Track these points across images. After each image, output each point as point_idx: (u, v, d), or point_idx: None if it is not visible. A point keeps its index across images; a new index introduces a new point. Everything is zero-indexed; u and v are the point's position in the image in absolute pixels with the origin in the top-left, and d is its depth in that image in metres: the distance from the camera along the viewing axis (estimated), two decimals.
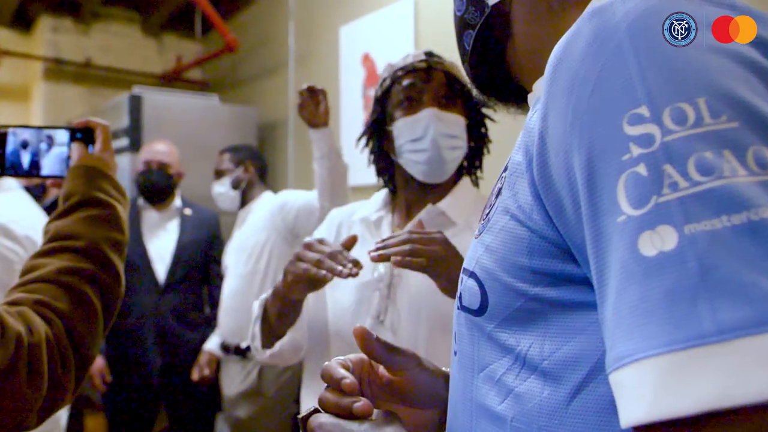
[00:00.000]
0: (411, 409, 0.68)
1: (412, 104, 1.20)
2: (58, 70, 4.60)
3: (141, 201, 2.86)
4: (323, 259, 1.07)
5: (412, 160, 1.20)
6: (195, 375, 2.71)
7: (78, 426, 3.06)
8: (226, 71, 4.68)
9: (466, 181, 1.30)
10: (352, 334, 1.17)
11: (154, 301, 2.72)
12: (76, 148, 1.09)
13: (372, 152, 1.30)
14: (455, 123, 1.20)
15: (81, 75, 4.69)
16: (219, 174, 2.81)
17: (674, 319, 0.34)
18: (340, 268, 1.06)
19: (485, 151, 1.32)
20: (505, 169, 0.53)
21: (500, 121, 1.21)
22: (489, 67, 0.70)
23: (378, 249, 1.05)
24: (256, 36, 4.25)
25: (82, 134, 1.11)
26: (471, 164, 1.31)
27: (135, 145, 3.45)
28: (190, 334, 2.78)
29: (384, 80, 1.26)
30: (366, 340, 0.64)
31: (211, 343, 2.75)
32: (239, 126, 3.88)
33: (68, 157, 1.10)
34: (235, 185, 2.74)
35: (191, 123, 3.68)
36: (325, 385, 0.62)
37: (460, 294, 0.56)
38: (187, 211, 2.91)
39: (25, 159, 1.10)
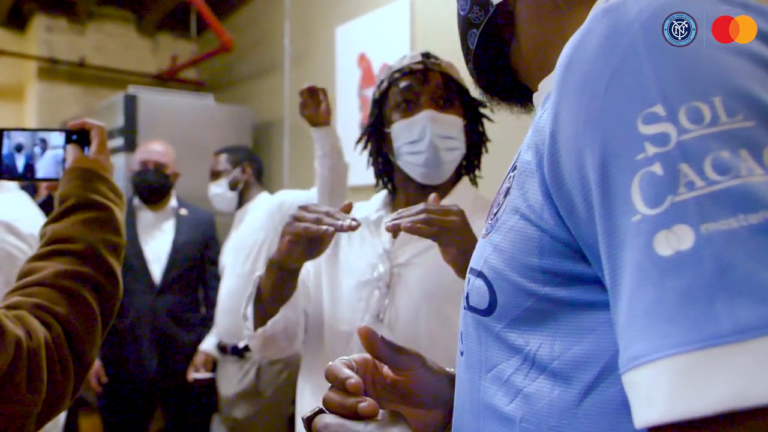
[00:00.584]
0: (415, 410, 0.68)
1: (409, 106, 1.20)
2: (52, 69, 4.58)
3: (136, 201, 2.85)
4: (321, 216, 1.06)
5: (410, 162, 1.20)
6: (191, 376, 2.70)
7: (72, 427, 3.04)
8: (222, 71, 4.66)
9: (465, 181, 1.31)
10: (349, 333, 1.19)
11: (149, 302, 2.71)
12: (71, 150, 1.08)
13: (371, 154, 1.30)
14: (452, 124, 1.20)
15: (75, 75, 4.67)
16: (215, 175, 2.79)
17: (691, 319, 0.34)
18: (340, 222, 1.05)
19: (483, 150, 1.32)
20: (513, 169, 0.53)
21: (499, 121, 1.21)
22: (493, 67, 0.69)
23: (393, 219, 1.03)
24: (252, 36, 4.24)
25: (78, 136, 1.10)
26: (469, 164, 1.31)
27: (130, 145, 3.44)
28: (186, 335, 2.78)
29: (381, 82, 1.26)
30: (371, 340, 0.63)
31: (208, 344, 2.74)
32: (234, 126, 3.87)
33: (64, 160, 1.09)
34: (233, 186, 2.73)
35: (186, 123, 3.67)
36: (329, 385, 0.62)
37: (467, 294, 0.55)
38: (183, 212, 2.90)
39: (20, 162, 1.09)
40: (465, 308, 0.56)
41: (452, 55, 1.30)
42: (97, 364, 2.66)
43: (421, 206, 1.04)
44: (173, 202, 2.91)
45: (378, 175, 1.31)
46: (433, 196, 1.10)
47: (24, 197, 1.58)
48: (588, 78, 0.42)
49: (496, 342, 0.51)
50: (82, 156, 1.07)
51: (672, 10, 0.40)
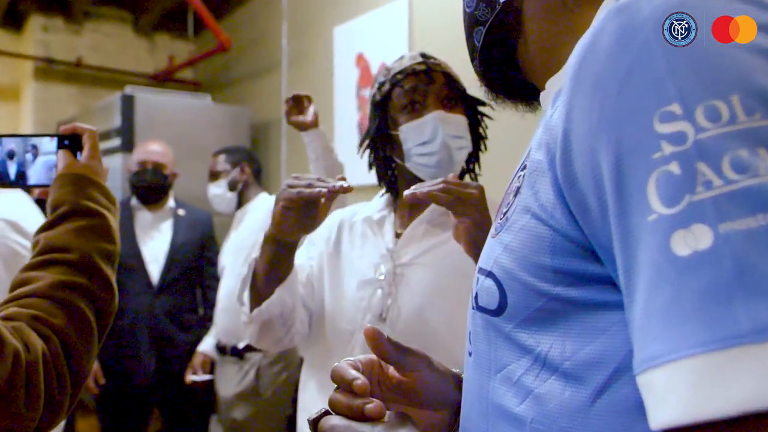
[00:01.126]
0: (421, 410, 0.67)
1: (416, 107, 1.19)
2: (48, 69, 4.56)
3: (134, 201, 2.84)
4: (313, 182, 1.07)
5: (422, 163, 1.19)
6: (188, 378, 2.68)
7: (70, 429, 3.03)
8: (219, 71, 4.66)
9: (466, 180, 1.30)
10: (351, 332, 1.19)
11: (147, 303, 2.70)
12: (63, 156, 1.05)
13: (375, 157, 1.28)
14: (460, 123, 1.20)
15: (72, 75, 4.66)
16: (214, 176, 2.78)
17: (710, 319, 0.33)
18: (332, 183, 1.05)
19: (483, 149, 1.32)
20: (523, 168, 0.52)
21: (498, 120, 1.21)
22: (498, 65, 0.69)
23: (412, 190, 1.03)
24: (249, 36, 4.23)
25: (69, 141, 1.07)
26: (469, 162, 1.31)
27: (127, 146, 3.43)
28: (184, 336, 2.77)
29: (382, 84, 1.25)
30: (377, 340, 0.63)
31: (205, 345, 2.73)
32: (232, 126, 3.87)
33: (56, 165, 1.06)
34: (232, 187, 2.73)
35: (184, 123, 3.66)
36: (331, 386, 0.61)
37: (476, 294, 0.55)
38: (181, 212, 2.89)
39: (12, 169, 1.07)
40: (474, 308, 0.56)
41: (450, 54, 1.31)
42: (94, 365, 2.64)
43: (440, 179, 1.03)
44: (171, 202, 2.90)
45: (381, 177, 1.29)
46: (452, 174, 1.10)
47: (25, 196, 1.59)
48: (602, 76, 0.41)
49: (506, 342, 0.51)
50: (73, 161, 1.05)
51: (686, 8, 0.40)
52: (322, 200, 1.10)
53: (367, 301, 1.19)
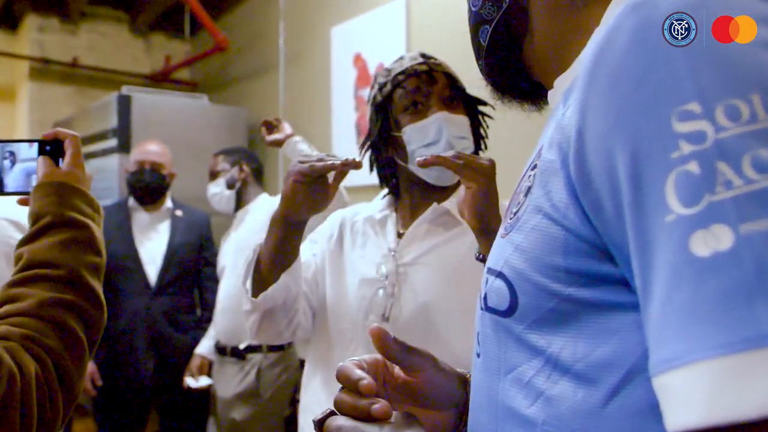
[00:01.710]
0: (426, 411, 0.67)
1: (419, 109, 1.18)
2: (44, 69, 4.55)
3: (132, 202, 2.82)
4: (324, 157, 1.07)
5: None
6: (187, 383, 2.66)
7: (66, 431, 3.02)
8: (216, 71, 4.65)
9: None
10: (352, 331, 1.18)
11: (145, 304, 2.69)
12: (43, 163, 1.01)
13: (377, 159, 1.28)
14: (463, 124, 1.20)
15: (68, 75, 4.64)
16: (214, 176, 2.78)
17: (730, 321, 0.33)
18: (344, 159, 1.06)
19: (483, 148, 1.32)
20: (533, 167, 0.52)
21: (497, 119, 1.20)
22: (504, 64, 0.68)
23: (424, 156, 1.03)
24: (246, 36, 4.22)
25: (51, 147, 1.03)
26: None
27: (124, 146, 3.42)
28: (182, 337, 2.75)
29: (383, 85, 1.24)
30: (382, 340, 0.62)
31: (203, 347, 2.72)
32: (229, 126, 3.86)
33: (35, 172, 1.02)
34: (230, 185, 2.72)
35: (180, 123, 3.65)
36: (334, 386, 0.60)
37: (485, 295, 0.54)
38: (179, 213, 2.88)
39: None
40: (482, 309, 0.55)
41: (448, 55, 1.30)
42: (91, 366, 2.64)
43: (452, 151, 1.04)
44: (169, 203, 2.88)
45: (383, 179, 1.29)
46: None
47: None
48: (618, 74, 0.41)
49: (517, 343, 0.50)
50: (54, 169, 1.00)
51: (703, 4, 0.40)
52: (331, 179, 1.10)
53: (368, 301, 1.18)
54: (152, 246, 2.78)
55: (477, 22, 0.68)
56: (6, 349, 0.78)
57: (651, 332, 0.37)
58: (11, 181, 1.04)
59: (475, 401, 0.58)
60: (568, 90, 0.51)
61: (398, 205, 1.29)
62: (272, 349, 2.59)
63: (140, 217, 2.83)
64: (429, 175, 1.19)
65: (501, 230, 0.56)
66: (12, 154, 1.04)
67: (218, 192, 2.74)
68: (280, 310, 1.16)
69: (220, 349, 2.63)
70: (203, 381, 2.65)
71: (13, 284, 0.90)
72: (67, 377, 0.84)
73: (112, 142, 3.49)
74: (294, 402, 2.79)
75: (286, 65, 3.73)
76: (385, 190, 1.31)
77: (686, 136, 0.37)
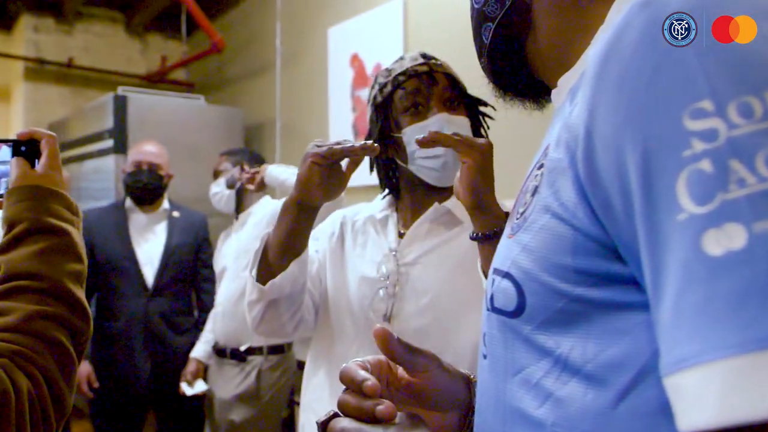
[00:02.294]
0: (430, 412, 0.66)
1: (419, 110, 1.18)
2: (39, 70, 4.53)
3: (129, 203, 2.81)
4: (340, 141, 1.07)
5: (426, 166, 1.18)
6: (183, 390, 2.63)
7: None
8: (212, 72, 4.63)
9: None
10: (354, 331, 1.18)
11: (142, 305, 2.68)
12: (17, 164, 0.95)
13: (377, 160, 1.27)
14: (464, 125, 1.19)
15: (63, 75, 4.63)
16: (216, 175, 2.80)
17: (745, 320, 0.33)
18: (361, 143, 1.05)
19: None
20: (540, 166, 0.51)
21: (497, 119, 1.20)
22: (507, 62, 0.68)
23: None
24: (243, 36, 4.21)
25: (26, 147, 0.98)
26: None
27: (119, 147, 3.41)
28: (179, 339, 2.74)
29: (384, 86, 1.23)
30: (386, 341, 0.61)
31: (199, 351, 2.69)
32: (225, 127, 3.85)
33: (8, 175, 0.97)
34: (230, 185, 2.71)
35: (177, 124, 3.64)
36: (341, 367, 0.60)
37: (492, 295, 0.54)
38: (176, 214, 2.87)
39: None
40: (489, 310, 0.55)
41: (445, 55, 1.30)
42: (88, 368, 2.63)
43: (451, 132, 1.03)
44: (166, 204, 2.87)
45: (383, 179, 1.28)
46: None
47: None
48: (628, 72, 0.40)
49: (525, 344, 0.50)
50: (29, 171, 0.95)
51: (721, 2, 0.39)
52: (344, 165, 1.10)
53: (369, 300, 1.18)
54: (149, 247, 2.77)
55: (480, 19, 0.67)
56: (0, 367, 0.76)
57: (662, 332, 0.37)
58: None
59: (482, 403, 0.57)
60: (574, 88, 0.50)
61: (399, 205, 1.29)
62: (272, 351, 2.59)
63: (137, 218, 2.81)
64: (430, 176, 1.18)
65: (507, 230, 0.55)
66: None
67: (218, 191, 2.74)
68: (285, 301, 1.15)
69: (219, 351, 2.62)
70: (199, 387, 2.63)
71: None
72: (59, 393, 0.82)
73: (108, 143, 3.48)
74: (292, 404, 2.79)
75: (282, 66, 3.72)
76: (385, 191, 1.30)
77: (698, 134, 0.36)
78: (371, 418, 0.54)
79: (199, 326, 2.79)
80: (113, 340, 2.65)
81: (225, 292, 2.62)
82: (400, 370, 0.66)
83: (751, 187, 0.34)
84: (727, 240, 0.34)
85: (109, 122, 3.48)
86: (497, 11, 0.64)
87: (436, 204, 1.21)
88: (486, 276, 1.00)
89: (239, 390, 2.54)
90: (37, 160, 0.98)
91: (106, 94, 3.65)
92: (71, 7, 4.51)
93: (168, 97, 3.96)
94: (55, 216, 0.92)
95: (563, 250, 0.46)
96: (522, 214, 0.52)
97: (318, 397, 1.21)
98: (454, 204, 1.21)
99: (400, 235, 1.23)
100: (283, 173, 2.42)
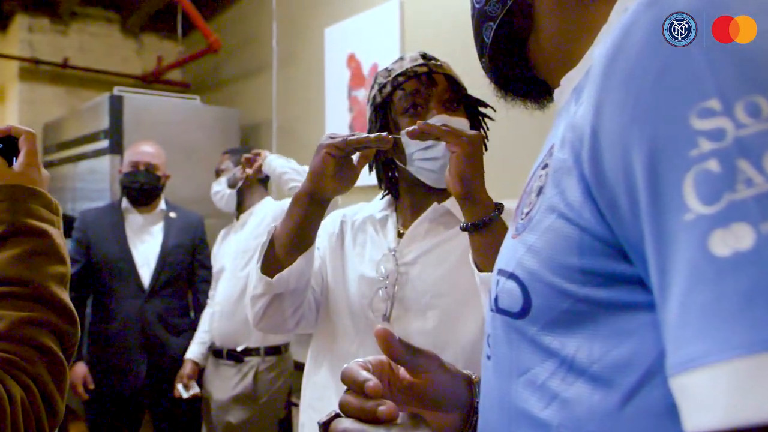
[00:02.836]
0: (432, 412, 0.66)
1: (418, 111, 1.17)
2: (34, 70, 4.51)
3: (125, 203, 2.80)
4: (354, 133, 1.07)
5: (425, 168, 1.17)
6: (178, 394, 2.61)
7: None
8: (208, 72, 4.63)
9: None
10: (354, 330, 1.17)
11: (138, 306, 2.66)
12: None
13: (375, 161, 1.27)
14: (464, 127, 1.19)
15: (58, 75, 4.61)
16: (219, 174, 2.79)
17: (752, 321, 0.32)
18: (375, 134, 1.05)
19: (484, 150, 1.31)
20: (545, 166, 0.51)
21: (498, 119, 1.20)
22: (508, 61, 0.68)
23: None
24: (239, 36, 4.21)
25: (4, 145, 0.95)
26: None
27: (115, 147, 3.40)
28: (175, 340, 2.73)
29: (383, 86, 1.23)
30: (388, 342, 0.61)
31: (193, 353, 2.67)
32: (222, 127, 3.85)
33: None
34: (231, 184, 2.70)
35: (173, 124, 3.63)
36: (344, 363, 0.59)
37: (496, 296, 0.54)
38: (172, 214, 2.85)
39: None
40: (493, 311, 0.55)
41: (443, 55, 1.29)
42: (84, 369, 2.61)
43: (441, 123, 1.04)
44: (162, 204, 2.86)
45: (382, 180, 1.28)
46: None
47: None
48: (635, 71, 0.40)
49: (530, 345, 0.50)
50: (6, 170, 0.92)
51: (714, 2, 0.39)
52: (355, 158, 1.10)
53: (369, 300, 1.18)
54: (146, 248, 2.75)
55: (480, 19, 0.67)
56: None
57: (669, 333, 0.37)
58: None
59: (486, 403, 0.57)
60: (578, 87, 0.50)
61: (398, 205, 1.29)
62: (269, 352, 2.58)
63: (134, 218, 2.80)
64: (428, 178, 1.18)
65: (512, 231, 0.55)
66: None
67: (219, 190, 2.73)
68: (290, 296, 1.14)
69: (216, 352, 2.61)
70: (193, 390, 2.62)
71: None
72: (51, 400, 0.81)
73: (104, 144, 3.47)
74: (289, 405, 2.78)
75: (279, 66, 3.72)
76: (385, 191, 1.30)
77: (705, 134, 0.36)
78: (373, 419, 0.54)
79: (195, 327, 2.78)
80: (109, 341, 2.63)
81: (222, 292, 2.61)
82: (402, 371, 0.66)
83: (758, 187, 0.34)
84: (734, 240, 0.34)
85: (104, 123, 3.47)
86: (498, 10, 0.64)
87: (435, 204, 1.21)
88: (478, 268, 1.00)
89: (236, 391, 2.53)
90: (15, 158, 0.95)
91: (101, 95, 3.63)
92: (66, 6, 4.49)
93: (164, 97, 3.95)
94: (35, 217, 0.89)
95: (569, 251, 0.45)
96: (527, 214, 0.52)
97: (320, 395, 1.21)
98: (453, 204, 1.21)
99: (400, 235, 1.23)
100: (283, 166, 2.40)
